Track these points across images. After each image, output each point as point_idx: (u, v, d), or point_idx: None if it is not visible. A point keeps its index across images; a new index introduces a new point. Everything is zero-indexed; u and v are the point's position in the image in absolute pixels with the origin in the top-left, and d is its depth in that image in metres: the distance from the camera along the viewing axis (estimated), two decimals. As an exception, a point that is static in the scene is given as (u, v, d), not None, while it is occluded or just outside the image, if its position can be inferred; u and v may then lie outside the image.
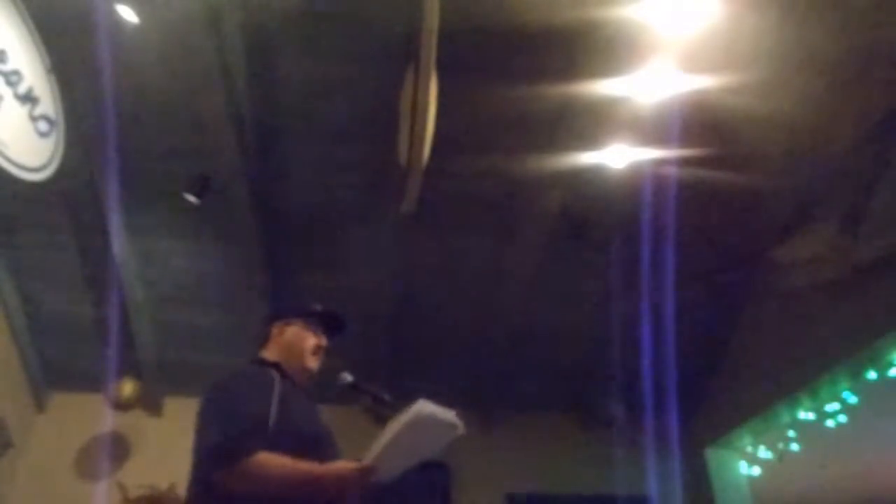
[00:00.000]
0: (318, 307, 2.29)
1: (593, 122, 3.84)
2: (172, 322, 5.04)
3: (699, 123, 3.79)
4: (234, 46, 3.62)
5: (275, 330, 2.24)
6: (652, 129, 3.86)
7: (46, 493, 4.91)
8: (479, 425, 5.32)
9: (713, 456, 5.59)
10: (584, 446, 5.60)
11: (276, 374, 2.02)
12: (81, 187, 4.20)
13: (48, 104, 3.04)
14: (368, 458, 1.78)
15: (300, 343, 2.19)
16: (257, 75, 3.81)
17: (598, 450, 5.44)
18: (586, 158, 4.02)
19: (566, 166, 4.03)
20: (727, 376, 5.39)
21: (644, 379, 5.10)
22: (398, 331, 5.14)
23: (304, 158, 4.22)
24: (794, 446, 5.27)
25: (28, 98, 2.88)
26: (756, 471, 5.57)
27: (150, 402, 5.30)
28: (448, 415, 1.77)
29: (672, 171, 4.09)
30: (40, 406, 5.30)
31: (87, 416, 5.18)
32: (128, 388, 4.96)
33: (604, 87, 3.61)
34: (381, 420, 2.04)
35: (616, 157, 4.05)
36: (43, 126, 2.99)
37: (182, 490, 2.02)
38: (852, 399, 4.55)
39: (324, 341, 2.25)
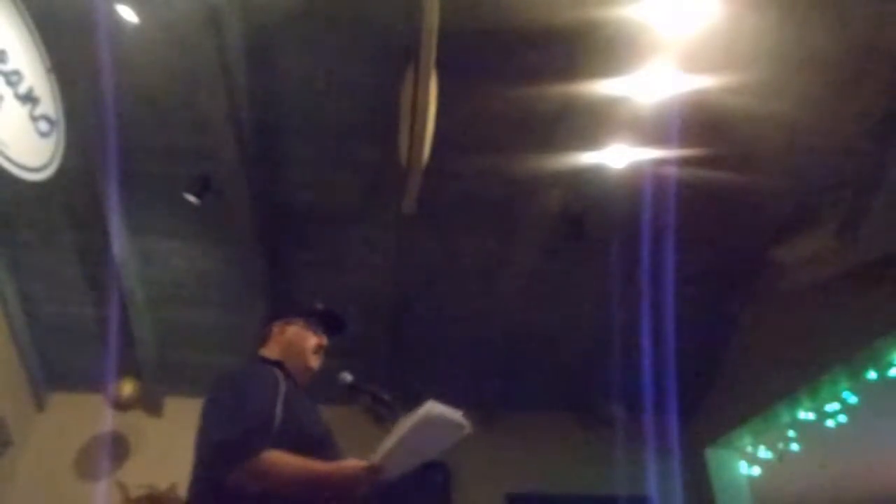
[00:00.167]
0: (319, 306, 2.30)
1: (593, 122, 3.83)
2: (172, 322, 5.04)
3: (699, 123, 3.79)
4: (234, 46, 3.61)
5: (275, 329, 2.25)
6: (652, 129, 3.86)
7: (46, 492, 4.91)
8: (478, 425, 5.30)
9: (713, 456, 5.59)
10: (584, 446, 5.61)
11: (279, 373, 2.03)
12: (81, 187, 4.20)
13: (48, 104, 3.04)
14: (377, 458, 1.79)
15: (301, 342, 2.20)
16: (257, 75, 3.81)
17: (598, 450, 5.45)
18: (586, 158, 4.01)
19: (566, 166, 4.02)
20: (727, 376, 5.39)
21: (644, 379, 5.10)
22: (398, 331, 5.14)
23: (304, 158, 4.22)
24: (794, 446, 5.27)
25: (28, 98, 2.88)
26: (756, 471, 5.57)
27: (150, 402, 5.30)
28: (456, 415, 1.80)
29: (672, 170, 4.08)
30: (40, 406, 5.29)
31: (87, 415, 5.18)
32: (128, 388, 4.96)
33: (604, 87, 3.60)
34: (381, 420, 2.06)
35: (616, 156, 4.04)
36: (43, 126, 2.99)
37: (182, 490, 2.02)
38: (852, 399, 4.55)
39: (324, 340, 2.26)
